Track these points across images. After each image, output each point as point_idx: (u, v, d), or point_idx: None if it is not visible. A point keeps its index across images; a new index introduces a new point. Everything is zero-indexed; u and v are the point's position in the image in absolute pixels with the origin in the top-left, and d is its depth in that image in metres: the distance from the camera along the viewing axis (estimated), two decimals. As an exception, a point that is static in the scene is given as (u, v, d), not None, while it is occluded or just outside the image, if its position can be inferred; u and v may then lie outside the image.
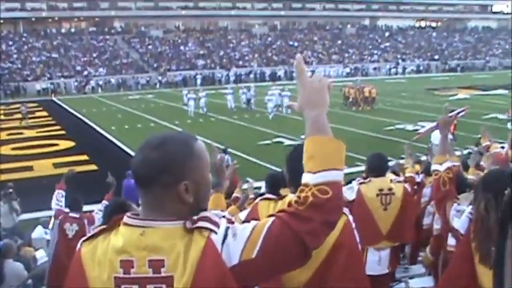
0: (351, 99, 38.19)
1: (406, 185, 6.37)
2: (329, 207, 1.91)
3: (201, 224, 1.90)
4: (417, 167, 10.43)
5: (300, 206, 1.90)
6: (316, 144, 1.99)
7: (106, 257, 1.93)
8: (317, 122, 2.01)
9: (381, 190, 5.78)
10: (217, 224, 1.91)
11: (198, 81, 61.62)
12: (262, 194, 4.57)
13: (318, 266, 3.32)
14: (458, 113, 5.26)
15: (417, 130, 20.44)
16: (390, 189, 5.85)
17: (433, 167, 4.88)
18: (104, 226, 2.04)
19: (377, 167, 5.97)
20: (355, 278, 3.52)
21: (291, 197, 3.23)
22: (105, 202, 8.67)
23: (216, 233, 1.89)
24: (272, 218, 1.92)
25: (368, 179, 5.87)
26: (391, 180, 6.12)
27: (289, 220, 1.88)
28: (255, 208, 3.69)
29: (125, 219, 1.97)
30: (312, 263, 3.13)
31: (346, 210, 3.60)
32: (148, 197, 1.97)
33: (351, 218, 3.58)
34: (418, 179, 8.67)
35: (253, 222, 1.94)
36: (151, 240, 1.87)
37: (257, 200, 3.79)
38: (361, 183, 5.84)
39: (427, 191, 7.89)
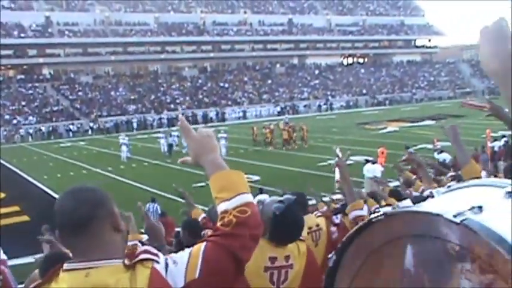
0: (269, 139, 38.62)
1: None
2: (252, 223, 2.14)
3: (142, 256, 1.99)
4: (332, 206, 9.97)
5: (226, 227, 2.09)
6: (223, 178, 2.25)
7: None
8: (216, 162, 2.31)
9: (310, 228, 5.77)
10: (157, 255, 2.03)
11: (134, 125, 62.39)
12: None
13: None
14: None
15: (350, 165, 20.66)
16: (318, 225, 5.89)
17: (357, 212, 5.02)
18: (40, 281, 2.05)
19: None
20: None
21: None
22: None
23: (158, 262, 1.99)
24: (205, 243, 2.08)
25: None
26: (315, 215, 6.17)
27: (221, 240, 2.06)
28: None
29: (65, 266, 1.99)
30: None
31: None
32: (86, 236, 2.01)
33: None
34: (337, 220, 7.52)
35: (187, 250, 2.08)
36: (97, 279, 1.91)
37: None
38: None
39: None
